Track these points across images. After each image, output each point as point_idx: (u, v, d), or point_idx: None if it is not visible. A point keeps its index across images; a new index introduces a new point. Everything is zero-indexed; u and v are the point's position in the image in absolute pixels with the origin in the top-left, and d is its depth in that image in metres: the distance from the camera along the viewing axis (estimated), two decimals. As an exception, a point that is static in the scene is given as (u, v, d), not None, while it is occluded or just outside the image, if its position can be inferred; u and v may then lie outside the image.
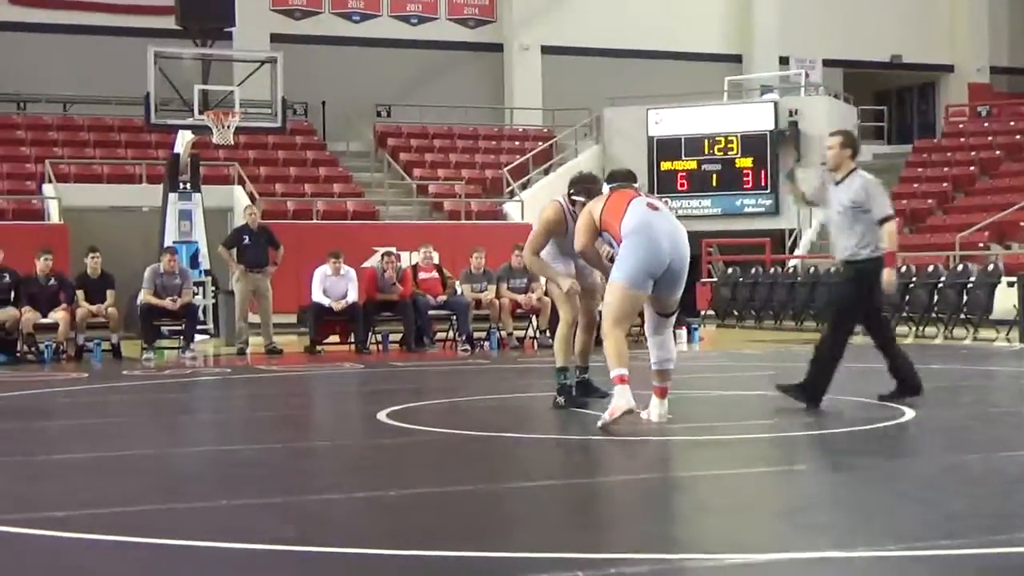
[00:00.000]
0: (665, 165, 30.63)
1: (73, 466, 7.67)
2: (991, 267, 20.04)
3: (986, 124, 33.58)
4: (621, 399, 8.31)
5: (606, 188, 9.19)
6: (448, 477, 7.12)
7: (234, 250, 18.05)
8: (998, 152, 31.18)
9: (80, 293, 16.91)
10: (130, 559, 5.09)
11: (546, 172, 31.00)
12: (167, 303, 16.93)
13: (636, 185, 9.24)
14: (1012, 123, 32.95)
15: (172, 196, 20.87)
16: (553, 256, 9.75)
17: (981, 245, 25.57)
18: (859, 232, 9.64)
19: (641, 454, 8.14)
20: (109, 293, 17.01)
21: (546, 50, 34.37)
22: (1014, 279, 18.62)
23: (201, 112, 19.98)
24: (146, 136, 27.10)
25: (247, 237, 18.09)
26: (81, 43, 30.06)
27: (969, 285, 19.53)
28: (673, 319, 8.74)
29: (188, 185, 20.89)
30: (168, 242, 19.89)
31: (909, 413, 9.32)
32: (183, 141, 20.77)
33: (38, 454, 8.13)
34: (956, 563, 4.80)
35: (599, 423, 8.35)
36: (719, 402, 11.10)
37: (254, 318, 18.07)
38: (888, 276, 9.71)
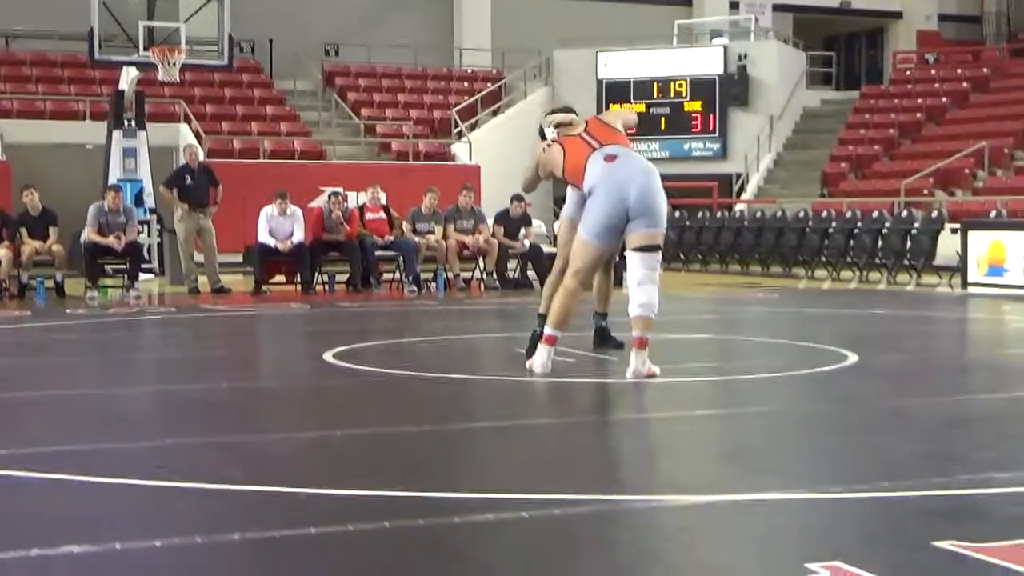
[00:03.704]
0: (614, 108, 30.54)
1: (16, 404, 7.62)
2: (935, 214, 20.20)
3: (933, 71, 33.73)
4: (538, 358, 8.49)
5: (551, 132, 9.02)
6: (394, 417, 7.12)
7: (176, 190, 17.90)
8: (945, 99, 31.32)
9: (23, 231, 16.73)
10: (72, 497, 5.06)
11: (495, 114, 30.91)
12: (111, 241, 16.75)
13: (575, 118, 9.02)
14: (959, 71, 33.10)
15: (116, 134, 20.63)
16: (577, 203, 9.14)
17: (926, 192, 25.75)
18: None
19: (587, 396, 8.17)
20: (52, 230, 16.84)
21: (496, -10, 34.17)
22: (957, 226, 18.76)
23: (146, 49, 19.71)
24: (90, 72, 26.71)
25: (189, 176, 17.93)
26: (24, -24, 29.59)
27: (913, 231, 19.67)
28: (655, 263, 8.41)
29: (133, 123, 20.66)
30: (112, 180, 19.66)
31: (853, 358, 9.40)
32: (128, 78, 20.51)
33: (-20, 392, 8.06)
34: (897, 504, 4.85)
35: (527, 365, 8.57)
36: (665, 345, 11.15)
37: (198, 257, 17.94)
38: None
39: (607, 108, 29.70)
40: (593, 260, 8.61)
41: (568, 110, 9.35)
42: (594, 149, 8.57)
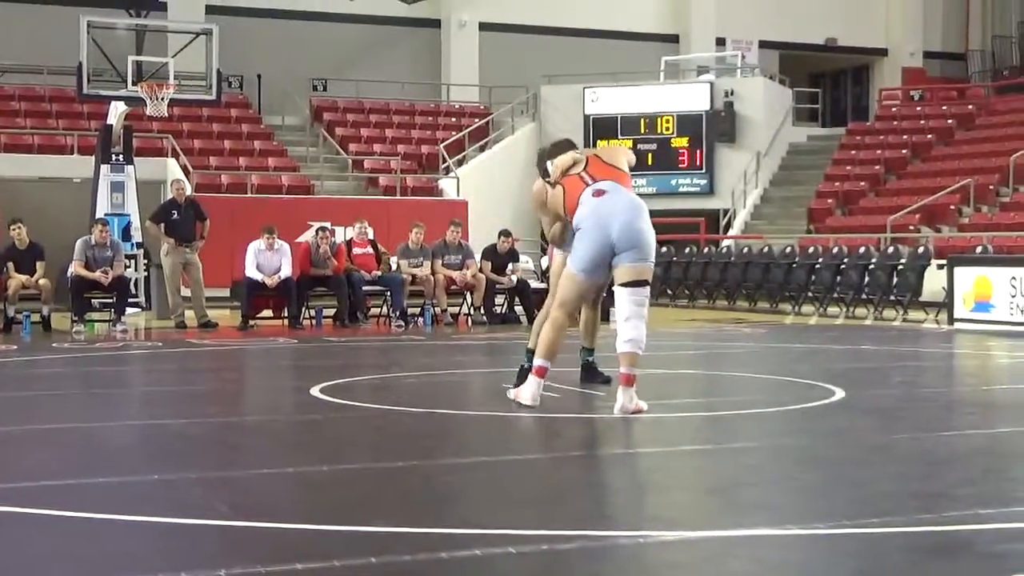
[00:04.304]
0: (601, 143, 30.63)
1: (1, 439, 7.58)
2: (921, 249, 20.28)
3: (919, 108, 33.87)
4: (528, 389, 8.48)
5: (551, 166, 9.03)
6: (380, 453, 7.10)
7: (162, 225, 17.89)
8: (930, 136, 31.46)
9: (10, 265, 16.69)
10: (56, 533, 5.03)
11: (482, 149, 30.97)
12: (98, 275, 16.72)
13: (578, 157, 9.04)
14: (944, 107, 33.25)
15: (104, 168, 20.63)
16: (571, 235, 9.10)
17: (912, 228, 25.82)
18: None
19: (574, 432, 8.16)
20: (39, 264, 16.80)
21: (484, 27, 34.24)
22: (943, 262, 18.81)
23: (135, 83, 19.75)
24: (78, 106, 26.76)
25: (176, 212, 17.92)
26: (12, 11, 29.62)
27: (899, 267, 19.73)
28: (643, 298, 8.36)
29: (121, 157, 20.66)
30: (100, 214, 19.64)
31: (840, 393, 9.40)
32: (116, 112, 20.54)
33: (-35, 427, 8.02)
34: (884, 541, 4.85)
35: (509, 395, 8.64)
36: (652, 381, 11.15)
37: (184, 292, 17.91)
38: None
39: (594, 144, 29.74)
40: (578, 293, 8.64)
41: (570, 144, 9.28)
42: (587, 186, 8.61)
